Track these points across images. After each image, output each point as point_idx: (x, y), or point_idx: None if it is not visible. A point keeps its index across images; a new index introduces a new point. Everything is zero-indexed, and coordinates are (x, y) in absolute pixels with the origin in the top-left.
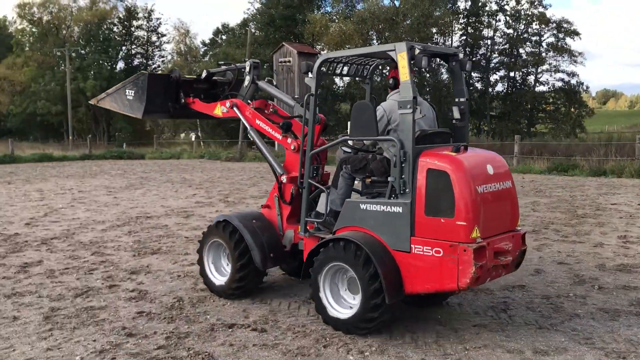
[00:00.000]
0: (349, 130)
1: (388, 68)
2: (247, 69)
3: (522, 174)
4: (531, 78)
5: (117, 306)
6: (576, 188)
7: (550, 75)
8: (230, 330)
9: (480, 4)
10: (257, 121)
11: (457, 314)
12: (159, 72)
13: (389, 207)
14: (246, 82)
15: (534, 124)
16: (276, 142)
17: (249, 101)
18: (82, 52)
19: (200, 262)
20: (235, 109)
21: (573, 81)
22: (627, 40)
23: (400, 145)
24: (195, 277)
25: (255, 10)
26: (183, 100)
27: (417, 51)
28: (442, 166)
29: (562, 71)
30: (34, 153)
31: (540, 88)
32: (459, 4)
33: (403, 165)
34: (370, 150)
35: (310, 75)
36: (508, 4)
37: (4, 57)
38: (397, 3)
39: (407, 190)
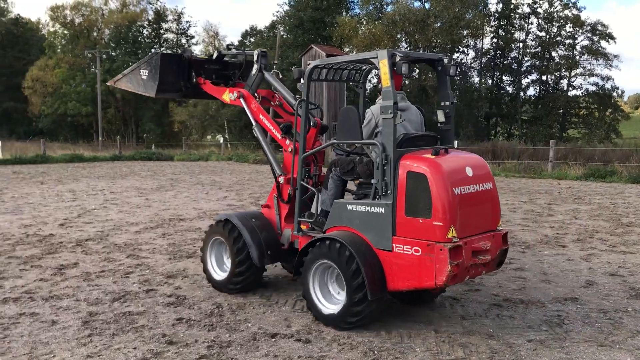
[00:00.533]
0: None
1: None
2: (255, 57)
3: (557, 179)
4: (564, 82)
5: (156, 312)
6: (616, 195)
7: (584, 79)
8: (273, 340)
9: (512, 6)
10: (261, 116)
11: (510, 328)
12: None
13: (372, 207)
14: (254, 71)
15: (566, 129)
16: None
17: (255, 94)
18: (113, 54)
19: (204, 258)
20: (241, 99)
21: (607, 85)
22: None
23: (383, 149)
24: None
25: (283, 13)
26: (194, 80)
27: (397, 58)
28: (420, 168)
29: (597, 75)
30: (65, 153)
31: (573, 92)
32: (490, 6)
33: (385, 167)
34: (359, 153)
35: (302, 81)
36: (541, 7)
37: (37, 58)
38: (427, 5)
39: (388, 191)
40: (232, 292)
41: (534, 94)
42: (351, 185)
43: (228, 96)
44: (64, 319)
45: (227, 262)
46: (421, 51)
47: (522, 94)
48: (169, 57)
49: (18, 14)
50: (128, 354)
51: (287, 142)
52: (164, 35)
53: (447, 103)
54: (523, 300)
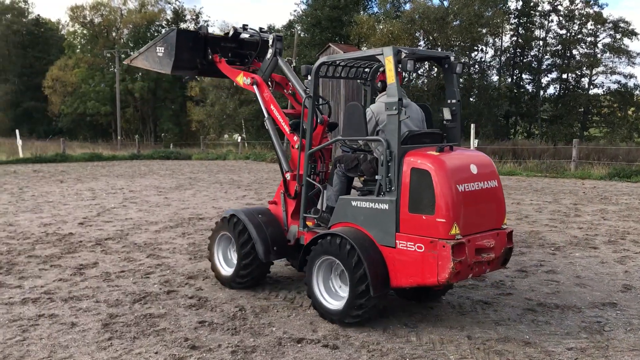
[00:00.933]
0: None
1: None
2: (270, 41)
3: (580, 179)
4: (585, 80)
5: (177, 314)
6: None
7: (606, 77)
8: (299, 345)
9: (532, 4)
10: (272, 106)
11: (547, 334)
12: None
13: (376, 204)
14: (268, 55)
15: (587, 128)
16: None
17: (269, 80)
18: (131, 53)
19: (211, 254)
20: (255, 87)
21: (630, 83)
22: None
23: (387, 145)
24: (263, 286)
25: (301, 12)
26: (210, 57)
27: (403, 55)
28: (424, 165)
29: (619, 73)
30: (84, 152)
31: (594, 90)
32: (509, 4)
33: (389, 164)
34: (364, 149)
35: (309, 77)
36: (561, 4)
37: (57, 58)
38: (445, 3)
39: (392, 188)
40: (239, 286)
41: (555, 93)
42: (357, 182)
43: (242, 80)
44: (83, 321)
45: (234, 258)
46: (439, 50)
47: (542, 92)
48: (185, 34)
49: (38, 15)
50: (149, 359)
51: (295, 138)
52: None
53: (454, 101)
54: (558, 305)
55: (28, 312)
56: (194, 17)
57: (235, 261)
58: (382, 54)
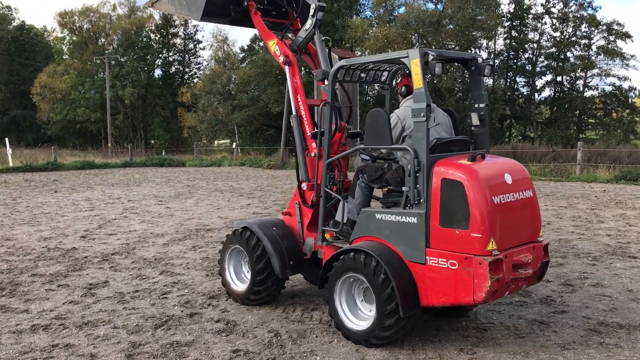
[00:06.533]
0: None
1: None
2: (312, 11)
3: (587, 182)
4: (580, 82)
5: (207, 341)
6: None
7: (600, 80)
8: None
9: (525, 6)
10: (299, 97)
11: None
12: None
13: (403, 217)
14: (307, 25)
15: (583, 130)
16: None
17: (304, 51)
18: (121, 59)
19: (222, 269)
20: (287, 67)
21: (625, 85)
22: None
23: (415, 154)
24: (285, 303)
25: None
26: (246, 3)
27: (430, 57)
28: (456, 176)
29: (614, 75)
30: (75, 160)
31: (589, 93)
32: (502, 7)
33: (417, 174)
34: (386, 158)
35: (325, 82)
36: (555, 6)
37: (44, 65)
38: (439, 7)
39: (421, 200)
40: (253, 303)
41: (550, 95)
42: (377, 192)
43: (275, 48)
44: (104, 352)
45: (247, 273)
46: None
47: (537, 95)
48: None
49: (23, 21)
50: None
51: (314, 144)
52: (171, 40)
53: (482, 105)
54: (622, 325)
55: (40, 341)
56: (183, 22)
57: (248, 276)
58: (407, 56)
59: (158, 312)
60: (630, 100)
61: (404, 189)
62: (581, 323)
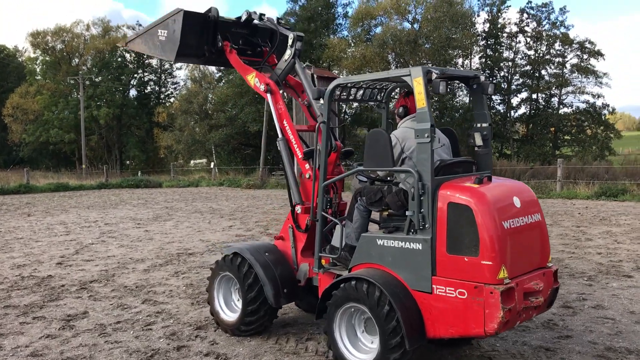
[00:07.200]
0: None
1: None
2: (290, 40)
3: (568, 199)
4: (555, 100)
5: None
6: None
7: (575, 97)
8: None
9: (499, 25)
10: (285, 123)
11: None
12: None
13: (407, 243)
14: (286, 56)
15: (558, 147)
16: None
17: (282, 91)
18: (96, 80)
19: (210, 298)
20: (269, 95)
21: (598, 102)
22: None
23: (419, 177)
24: (277, 334)
25: None
26: (220, 44)
27: (434, 76)
28: (463, 200)
29: (587, 93)
30: (49, 183)
31: (564, 110)
32: (477, 26)
33: (422, 198)
34: (385, 180)
35: (321, 101)
36: (528, 25)
37: (16, 86)
38: (416, 26)
39: (426, 225)
40: (244, 334)
41: (525, 113)
42: (374, 215)
43: (254, 81)
44: None
45: (237, 301)
46: None
47: (513, 112)
48: (192, 16)
49: None
50: None
51: (307, 166)
52: (146, 60)
53: (485, 125)
54: (630, 350)
55: None
56: None
57: (239, 305)
58: (409, 74)
59: (143, 346)
60: (603, 117)
61: (407, 213)
62: (588, 349)
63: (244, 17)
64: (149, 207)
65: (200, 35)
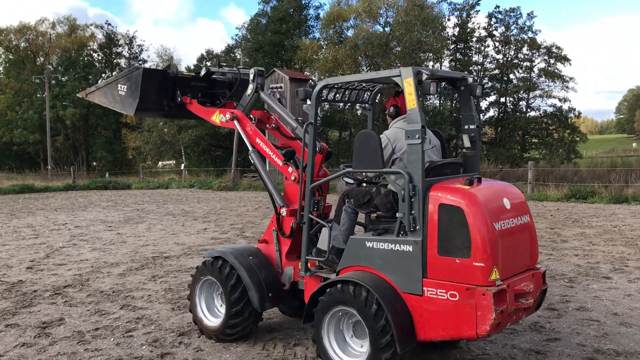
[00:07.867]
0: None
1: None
2: (251, 76)
3: (539, 201)
4: (523, 104)
5: None
6: (611, 217)
7: (542, 101)
8: None
9: (468, 30)
10: (258, 140)
11: None
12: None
13: (397, 245)
14: (249, 91)
15: (527, 150)
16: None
17: (251, 116)
18: (62, 79)
19: (192, 305)
20: (236, 122)
21: (565, 106)
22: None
23: (409, 178)
24: (263, 339)
25: (242, 37)
26: (179, 99)
27: (424, 76)
28: (455, 201)
29: (554, 97)
30: (13, 184)
31: (532, 114)
32: (447, 30)
33: (412, 199)
34: (373, 182)
35: (308, 102)
36: (497, 29)
37: None
38: (387, 29)
39: (417, 227)
40: (229, 338)
41: (494, 116)
42: (360, 217)
43: (219, 118)
44: None
45: (220, 307)
46: None
47: (481, 115)
48: (151, 73)
49: None
50: None
51: (290, 169)
52: (115, 60)
53: (473, 126)
54: (618, 352)
55: None
56: (128, 42)
57: (222, 310)
58: (399, 75)
59: (125, 354)
60: (570, 120)
61: (397, 215)
62: (578, 351)
63: (202, 73)
64: (119, 210)
65: (160, 91)
